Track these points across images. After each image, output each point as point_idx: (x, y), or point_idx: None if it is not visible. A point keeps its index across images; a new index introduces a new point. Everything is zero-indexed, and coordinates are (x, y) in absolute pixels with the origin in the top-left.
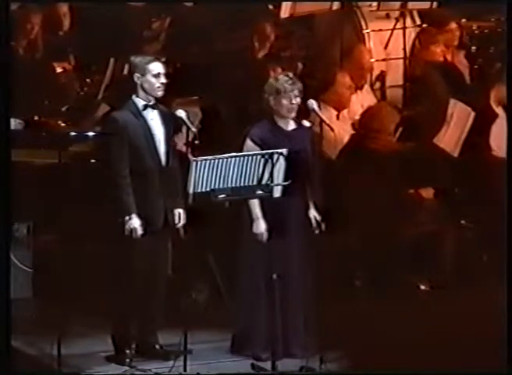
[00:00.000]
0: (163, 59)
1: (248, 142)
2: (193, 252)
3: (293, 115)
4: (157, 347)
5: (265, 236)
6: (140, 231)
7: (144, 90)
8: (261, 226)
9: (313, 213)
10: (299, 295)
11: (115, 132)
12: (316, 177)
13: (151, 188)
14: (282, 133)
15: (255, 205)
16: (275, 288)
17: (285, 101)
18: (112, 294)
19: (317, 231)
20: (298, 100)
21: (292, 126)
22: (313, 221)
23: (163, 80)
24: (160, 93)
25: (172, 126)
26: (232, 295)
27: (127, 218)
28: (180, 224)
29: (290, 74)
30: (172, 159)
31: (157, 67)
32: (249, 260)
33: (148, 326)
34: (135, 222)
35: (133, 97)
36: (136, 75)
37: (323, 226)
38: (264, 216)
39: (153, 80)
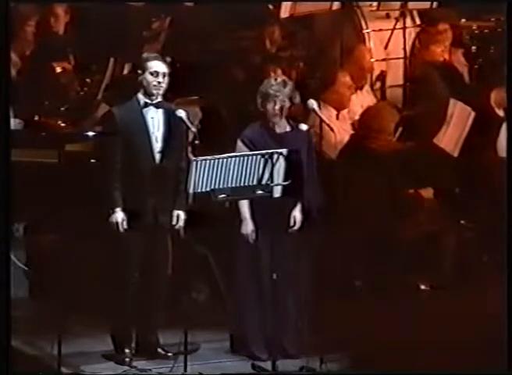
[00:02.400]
0: (168, 58)
1: (239, 143)
2: (193, 252)
3: (279, 119)
4: (157, 347)
5: (252, 236)
6: (123, 226)
7: (143, 87)
8: (247, 227)
9: (294, 213)
10: (296, 295)
11: (109, 126)
12: (311, 180)
13: (142, 185)
14: (272, 136)
15: (244, 205)
16: (271, 288)
17: (269, 106)
18: (111, 293)
19: (290, 230)
20: (285, 104)
21: (286, 128)
22: (291, 221)
23: (160, 79)
24: (156, 91)
25: (177, 126)
26: (231, 295)
27: (111, 211)
28: (178, 226)
29: (279, 78)
30: (169, 159)
31: (155, 65)
32: (245, 260)
33: (148, 326)
34: (118, 216)
35: (138, 93)
36: (138, 71)
37: (297, 226)
38: (255, 217)
39: (150, 77)
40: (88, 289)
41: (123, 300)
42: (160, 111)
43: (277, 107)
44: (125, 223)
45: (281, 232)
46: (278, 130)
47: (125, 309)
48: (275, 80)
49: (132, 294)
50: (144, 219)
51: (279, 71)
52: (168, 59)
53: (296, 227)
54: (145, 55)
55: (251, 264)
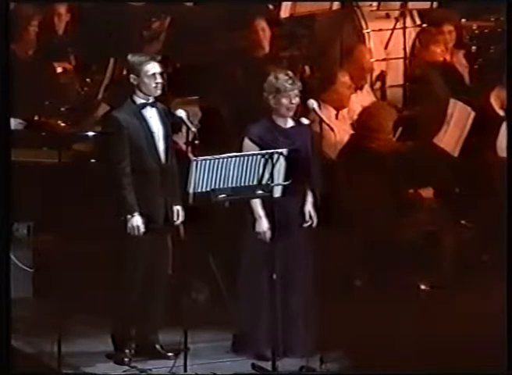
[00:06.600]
0: (159, 58)
1: (247, 141)
2: (194, 252)
3: (292, 114)
4: (157, 346)
5: (268, 234)
6: (142, 229)
7: (141, 90)
8: (263, 225)
9: (308, 208)
10: (301, 294)
11: (115, 131)
12: (316, 174)
13: (151, 186)
14: (280, 131)
15: (257, 203)
16: (277, 287)
17: (285, 101)
18: (112, 293)
19: (305, 225)
20: (297, 99)
21: (290, 123)
22: (306, 215)
23: (159, 80)
24: (157, 92)
25: (171, 123)
26: (232, 295)
27: (129, 216)
28: (179, 221)
29: (290, 73)
30: (170, 157)
31: (151, 68)
32: (251, 259)
33: (148, 326)
34: (137, 220)
35: (133, 95)
36: (132, 76)
37: (315, 222)
38: (267, 215)
39: (148, 81)
40: (89, 290)
41: (125, 300)
42: (154, 110)
43: (294, 101)
44: (142, 226)
45: (287, 230)
46: (284, 125)
47: (126, 309)
48: (287, 74)
49: (134, 294)
50: (157, 220)
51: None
52: (159, 58)
53: (312, 223)
54: (137, 58)
55: (258, 263)
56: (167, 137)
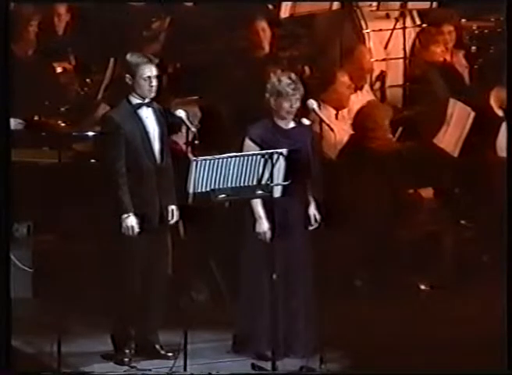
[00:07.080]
0: (156, 61)
1: (247, 142)
2: (194, 252)
3: (292, 117)
4: (157, 346)
5: (268, 235)
6: (136, 229)
7: (135, 91)
8: (264, 225)
9: (313, 211)
10: (301, 294)
11: (111, 131)
12: (317, 175)
13: (146, 186)
14: (281, 132)
15: (257, 204)
16: (277, 287)
17: (285, 104)
18: (111, 293)
19: (311, 228)
20: (298, 104)
21: (291, 124)
22: (312, 218)
23: (154, 83)
24: (151, 95)
25: (167, 124)
26: (233, 295)
27: (124, 216)
28: (173, 221)
29: (293, 77)
30: (166, 157)
31: (147, 71)
32: (252, 259)
33: (148, 326)
34: (132, 220)
35: (129, 95)
36: (128, 76)
37: (321, 224)
38: (267, 215)
39: (143, 83)
40: (89, 290)
41: (125, 300)
42: (150, 110)
43: (294, 105)
44: (137, 226)
45: (287, 230)
46: (285, 126)
47: (126, 309)
48: (290, 78)
49: (134, 294)
50: (153, 220)
51: (279, 71)
52: (157, 60)
53: (320, 225)
54: (134, 58)
55: (259, 263)
56: (163, 137)
